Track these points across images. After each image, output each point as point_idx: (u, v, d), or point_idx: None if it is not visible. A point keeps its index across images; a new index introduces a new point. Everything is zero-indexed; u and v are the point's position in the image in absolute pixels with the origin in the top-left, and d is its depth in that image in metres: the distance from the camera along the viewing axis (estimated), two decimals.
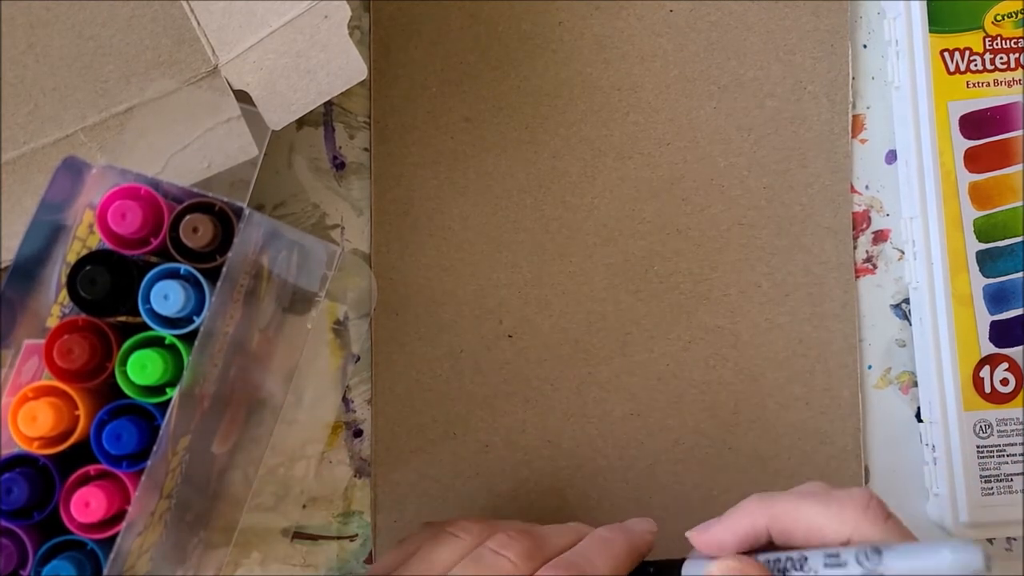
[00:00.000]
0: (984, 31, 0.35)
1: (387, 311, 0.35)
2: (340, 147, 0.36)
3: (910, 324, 0.36)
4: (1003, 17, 0.35)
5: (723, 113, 0.36)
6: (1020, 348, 0.34)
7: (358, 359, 0.35)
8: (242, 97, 0.29)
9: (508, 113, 0.35)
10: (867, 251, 0.36)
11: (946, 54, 0.35)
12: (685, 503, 0.35)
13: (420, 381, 0.35)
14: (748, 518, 0.25)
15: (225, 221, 0.24)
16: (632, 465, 0.35)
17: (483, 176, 0.35)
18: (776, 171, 0.36)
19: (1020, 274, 0.34)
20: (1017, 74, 0.35)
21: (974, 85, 0.35)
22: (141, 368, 0.23)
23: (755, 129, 0.36)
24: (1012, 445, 0.34)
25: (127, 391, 0.23)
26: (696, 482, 0.35)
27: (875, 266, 0.36)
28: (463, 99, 0.35)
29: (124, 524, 0.22)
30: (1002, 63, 0.35)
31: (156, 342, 0.24)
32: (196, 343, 0.23)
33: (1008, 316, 0.34)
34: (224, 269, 0.23)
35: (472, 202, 0.35)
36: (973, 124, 0.35)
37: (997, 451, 0.34)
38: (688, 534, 0.26)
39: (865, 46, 0.36)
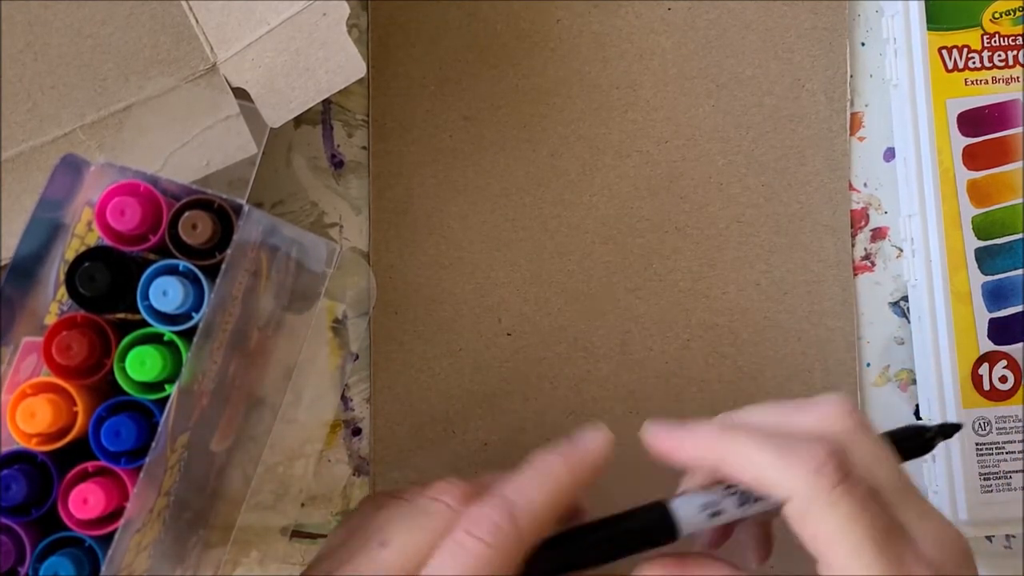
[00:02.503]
0: (982, 28, 0.35)
1: (386, 309, 0.35)
2: (338, 145, 0.36)
3: (909, 322, 0.36)
4: (1001, 15, 0.35)
5: (721, 111, 0.36)
6: (1019, 345, 0.34)
7: (357, 358, 0.35)
8: (241, 95, 0.29)
9: (507, 112, 0.36)
10: (865, 249, 0.36)
11: (944, 52, 0.35)
12: None
13: (419, 379, 0.35)
14: (703, 449, 0.25)
15: (224, 218, 0.24)
16: (632, 463, 0.35)
17: (482, 174, 0.35)
18: (775, 169, 0.36)
19: (1019, 271, 0.35)
20: (1015, 71, 0.35)
21: (972, 83, 0.35)
22: (140, 365, 0.23)
23: (753, 127, 0.36)
24: (1011, 443, 0.34)
25: (126, 388, 0.23)
26: None
27: (873, 264, 0.36)
28: (461, 98, 0.35)
29: (122, 521, 0.22)
30: (1000, 60, 0.35)
31: (155, 339, 0.24)
32: (195, 340, 0.23)
33: (1007, 313, 0.34)
34: (223, 266, 0.23)
35: (471, 200, 0.35)
36: (971, 121, 0.35)
37: (996, 448, 0.34)
38: (649, 427, 0.26)
39: (863, 44, 0.36)
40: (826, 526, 0.22)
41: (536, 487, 0.25)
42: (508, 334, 0.35)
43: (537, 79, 0.36)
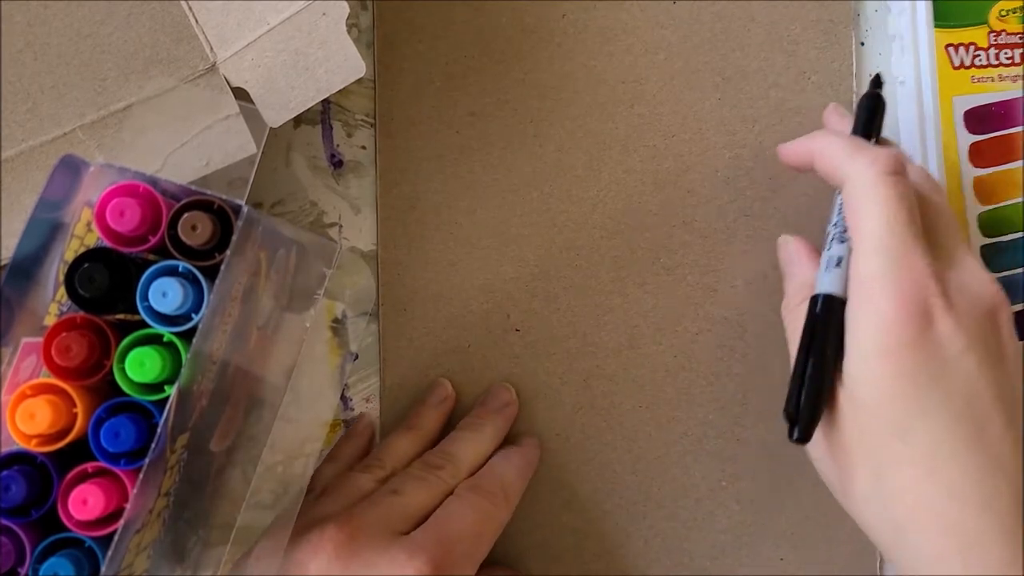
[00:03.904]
0: (989, 26, 0.35)
1: (395, 306, 0.35)
2: (338, 145, 0.35)
3: None
4: (1008, 12, 0.35)
5: (728, 104, 0.35)
6: None
7: (356, 357, 0.35)
8: (240, 95, 0.29)
9: (513, 107, 0.35)
10: None
11: (951, 49, 0.34)
12: (694, 494, 0.35)
13: (428, 376, 0.35)
14: (803, 151, 0.30)
15: (223, 219, 0.24)
16: (641, 457, 0.35)
17: (489, 170, 0.35)
18: (781, 162, 0.35)
19: None
20: (1022, 69, 0.35)
21: (979, 80, 0.34)
22: (139, 366, 0.23)
23: (760, 120, 0.35)
24: None
25: (125, 389, 0.23)
26: (705, 473, 0.35)
27: None
28: (468, 93, 0.35)
29: (122, 522, 0.22)
30: (1007, 58, 0.34)
31: (154, 340, 0.24)
32: (194, 341, 0.23)
33: (1013, 310, 0.34)
34: (222, 267, 0.23)
35: (478, 196, 0.35)
36: (978, 119, 0.34)
37: None
38: (780, 148, 0.32)
39: (863, 43, 0.36)
40: (866, 202, 0.26)
41: (519, 478, 0.33)
42: (517, 330, 0.35)
43: (543, 74, 0.35)
